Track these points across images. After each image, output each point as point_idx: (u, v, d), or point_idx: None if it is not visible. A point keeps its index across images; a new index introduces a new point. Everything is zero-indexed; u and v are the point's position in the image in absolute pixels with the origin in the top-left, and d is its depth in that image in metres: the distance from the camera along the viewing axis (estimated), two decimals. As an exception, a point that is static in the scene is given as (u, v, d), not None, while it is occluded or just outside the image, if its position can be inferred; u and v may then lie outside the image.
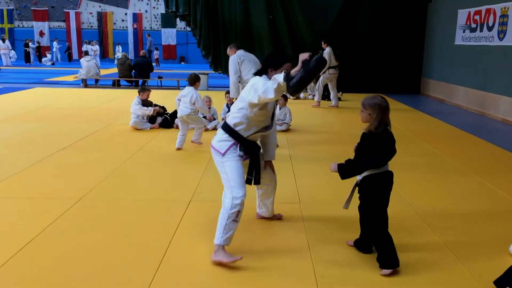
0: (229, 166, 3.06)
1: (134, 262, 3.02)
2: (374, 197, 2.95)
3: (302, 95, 11.87)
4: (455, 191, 4.72)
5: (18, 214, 3.85)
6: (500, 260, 3.11)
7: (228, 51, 6.69)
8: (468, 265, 3.06)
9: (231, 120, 3.14)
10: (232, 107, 3.19)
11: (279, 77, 2.82)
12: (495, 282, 2.60)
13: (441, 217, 3.93)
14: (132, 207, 4.05)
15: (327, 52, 10.17)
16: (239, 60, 6.38)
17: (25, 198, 4.25)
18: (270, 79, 2.98)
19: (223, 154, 3.09)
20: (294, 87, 2.78)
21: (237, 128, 3.10)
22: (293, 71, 2.84)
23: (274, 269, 2.96)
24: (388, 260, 2.89)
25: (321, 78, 10.57)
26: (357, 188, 3.05)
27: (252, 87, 3.00)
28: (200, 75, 14.40)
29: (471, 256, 3.19)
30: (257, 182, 3.26)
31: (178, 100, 6.32)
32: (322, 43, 10.52)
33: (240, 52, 6.53)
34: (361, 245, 3.18)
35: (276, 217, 3.79)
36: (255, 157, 3.22)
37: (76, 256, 3.08)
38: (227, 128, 3.15)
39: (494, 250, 3.31)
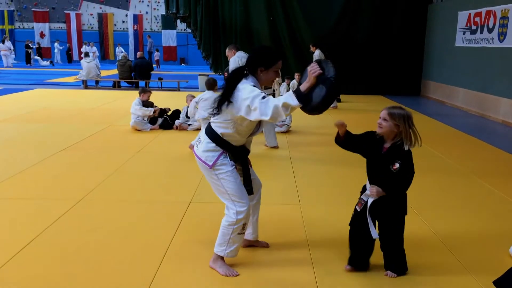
0: (225, 180, 2.79)
1: (134, 263, 3.02)
2: (399, 218, 2.80)
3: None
4: (455, 192, 4.72)
5: (19, 215, 3.85)
6: (500, 261, 3.11)
7: (227, 52, 6.69)
8: (468, 265, 3.06)
9: (218, 129, 2.79)
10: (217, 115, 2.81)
11: (291, 99, 2.50)
12: (495, 282, 2.60)
13: (441, 218, 3.93)
14: (132, 208, 4.05)
15: (317, 54, 10.18)
16: (240, 62, 6.38)
17: (26, 199, 4.25)
18: (258, 80, 2.75)
19: (211, 167, 2.77)
20: (319, 108, 2.55)
21: (225, 138, 2.79)
22: (304, 87, 2.54)
23: (274, 272, 2.95)
24: (399, 267, 2.86)
25: None
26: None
27: (244, 101, 2.60)
28: (200, 77, 14.40)
29: (470, 257, 3.19)
30: (250, 192, 2.93)
31: (196, 102, 6.40)
32: (311, 46, 10.53)
33: (240, 53, 6.53)
34: (358, 263, 2.92)
35: (261, 245, 3.29)
36: (245, 164, 2.93)
37: (76, 257, 3.08)
38: (213, 135, 2.80)
39: (494, 251, 3.31)
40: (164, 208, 4.05)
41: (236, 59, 6.46)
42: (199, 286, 2.77)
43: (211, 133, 2.82)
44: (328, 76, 2.51)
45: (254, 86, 2.68)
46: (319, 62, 2.60)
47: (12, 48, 24.08)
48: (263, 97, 2.57)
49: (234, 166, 2.83)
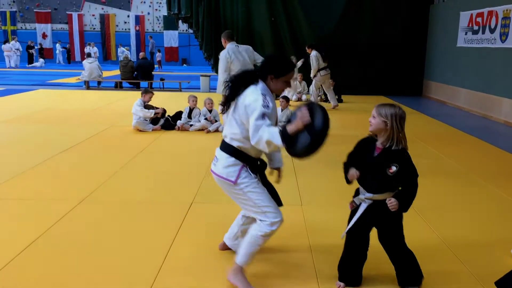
0: (252, 192, 2.66)
1: (136, 264, 3.03)
2: (399, 222, 2.72)
3: (304, 97, 11.88)
4: (457, 194, 4.72)
5: (21, 215, 3.87)
6: (501, 262, 3.11)
7: (222, 40, 6.68)
8: (477, 273, 3.03)
9: (232, 141, 2.70)
10: (227, 127, 2.74)
11: (276, 138, 2.41)
12: (497, 283, 2.60)
13: (445, 220, 3.92)
14: (134, 208, 4.06)
15: (313, 55, 10.13)
16: (230, 60, 6.34)
17: (28, 199, 4.26)
18: (268, 87, 2.66)
19: (235, 182, 2.66)
20: (301, 155, 2.50)
21: (242, 149, 2.69)
22: (291, 130, 2.41)
23: (276, 276, 2.95)
24: (415, 277, 2.74)
25: (313, 82, 10.60)
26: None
27: (247, 108, 2.58)
28: (202, 77, 14.39)
29: (478, 263, 3.17)
30: (280, 203, 2.80)
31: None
32: (306, 48, 10.50)
33: (232, 46, 6.45)
34: (349, 272, 2.77)
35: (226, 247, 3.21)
36: (264, 177, 2.83)
37: (78, 258, 3.09)
38: (230, 149, 2.70)
39: (495, 251, 3.31)
40: (166, 209, 4.06)
41: (226, 55, 6.39)
42: (200, 287, 2.77)
43: (227, 147, 2.72)
44: (316, 127, 2.40)
45: (263, 94, 2.59)
46: (311, 107, 2.45)
47: (20, 48, 23.97)
48: (263, 115, 2.50)
49: (257, 178, 2.74)
